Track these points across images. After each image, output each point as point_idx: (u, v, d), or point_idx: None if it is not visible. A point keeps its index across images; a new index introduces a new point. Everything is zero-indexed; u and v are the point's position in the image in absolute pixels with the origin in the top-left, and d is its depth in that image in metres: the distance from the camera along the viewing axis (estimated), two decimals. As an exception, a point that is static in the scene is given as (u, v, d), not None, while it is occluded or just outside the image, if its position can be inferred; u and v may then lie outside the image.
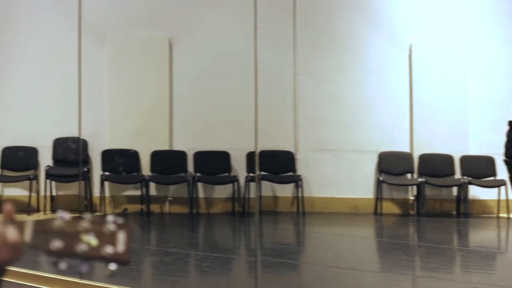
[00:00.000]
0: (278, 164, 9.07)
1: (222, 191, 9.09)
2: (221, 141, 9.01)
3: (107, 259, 1.38)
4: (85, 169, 8.76)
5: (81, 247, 1.39)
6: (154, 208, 8.92)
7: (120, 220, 1.38)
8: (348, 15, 9.28)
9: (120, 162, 8.69)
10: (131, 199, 9.00)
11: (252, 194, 8.85)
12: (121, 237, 1.39)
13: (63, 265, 1.36)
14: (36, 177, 8.84)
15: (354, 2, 9.33)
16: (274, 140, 9.02)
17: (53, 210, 8.72)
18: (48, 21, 8.94)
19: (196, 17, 9.13)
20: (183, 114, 9.10)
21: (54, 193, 8.91)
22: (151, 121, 9.01)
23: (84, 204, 8.60)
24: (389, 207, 9.15)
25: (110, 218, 1.37)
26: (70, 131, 8.62)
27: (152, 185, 8.94)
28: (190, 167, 9.03)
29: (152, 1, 9.14)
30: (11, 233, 1.38)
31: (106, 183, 8.85)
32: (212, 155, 9.02)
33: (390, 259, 6.33)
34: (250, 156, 8.86)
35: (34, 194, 8.79)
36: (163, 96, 9.05)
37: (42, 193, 8.81)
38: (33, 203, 8.74)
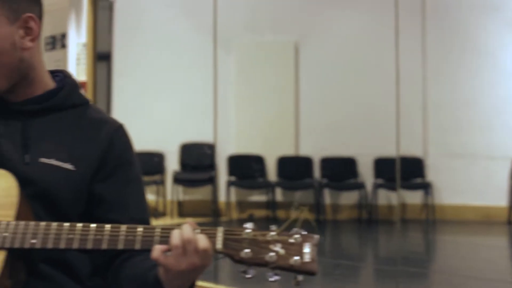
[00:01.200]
0: (406, 170, 8.82)
1: (349, 198, 8.95)
2: (348, 146, 8.87)
3: (295, 269, 1.37)
4: (212, 175, 8.86)
5: (270, 257, 1.37)
6: (280, 214, 8.90)
7: (305, 232, 1.40)
8: (480, 15, 8.92)
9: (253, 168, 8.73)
10: (257, 205, 9.01)
11: (380, 201, 8.68)
12: (307, 248, 1.38)
13: (251, 273, 1.37)
14: (162, 182, 9.01)
15: (487, 1, 8.96)
16: (402, 146, 8.78)
17: (180, 215, 8.86)
18: (176, 27, 9.09)
19: (322, 20, 8.98)
20: (309, 119, 9.01)
21: (180, 198, 9.05)
22: (277, 126, 8.98)
23: (211, 209, 8.70)
24: (525, 216, 8.71)
25: (296, 229, 1.40)
26: (196, 136, 8.75)
27: (278, 191, 8.92)
28: (317, 173, 8.94)
29: (277, 4, 9.11)
30: (202, 240, 1.35)
31: (232, 189, 8.91)
32: (339, 160, 8.89)
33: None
34: (378, 162, 8.68)
35: (161, 199, 8.97)
36: (289, 101, 9.00)
37: (168, 197, 8.97)
38: (160, 207, 8.91)
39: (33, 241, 1.44)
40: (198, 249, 1.36)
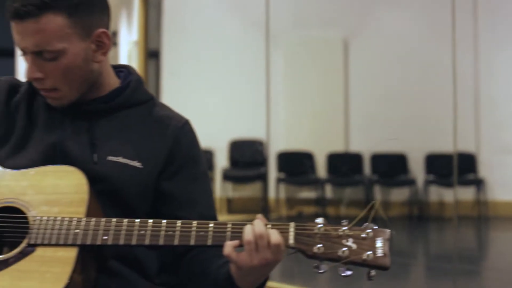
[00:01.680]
0: (458, 166, 8.68)
1: (399, 194, 8.86)
2: (398, 142, 8.77)
3: (367, 264, 1.36)
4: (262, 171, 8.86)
5: (343, 251, 1.36)
6: (330, 210, 8.85)
7: (377, 226, 1.41)
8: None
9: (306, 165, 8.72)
10: (306, 202, 8.99)
11: (431, 197, 8.58)
12: (380, 242, 1.39)
13: (323, 268, 1.36)
14: (211, 179, 9.02)
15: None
16: (452, 141, 8.64)
17: (229, 212, 8.87)
18: (225, 23, 9.09)
19: (373, 16, 8.88)
20: (359, 115, 8.92)
21: (230, 195, 9.07)
22: (327, 122, 8.93)
23: (260, 206, 8.71)
24: None
25: (367, 224, 1.41)
26: (245, 133, 8.75)
27: (327, 187, 8.88)
28: (367, 169, 8.87)
29: (326, 0, 9.06)
30: (274, 235, 1.35)
31: (281, 185, 8.89)
32: (389, 157, 8.79)
33: None
34: (430, 158, 8.58)
35: (210, 196, 8.98)
36: (338, 97, 8.94)
37: (217, 194, 9.00)
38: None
39: (105, 237, 1.45)
40: (270, 244, 1.35)
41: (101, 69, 1.64)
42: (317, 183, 8.84)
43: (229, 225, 1.42)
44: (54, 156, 1.60)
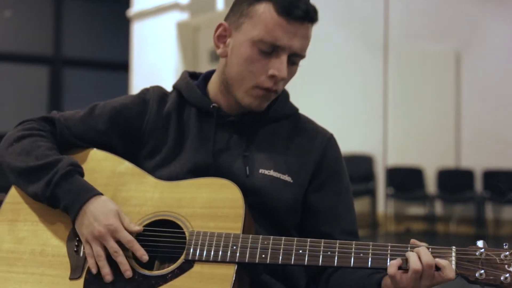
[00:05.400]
0: None
1: (512, 212, 8.56)
2: (512, 158, 8.47)
3: None
4: (370, 186, 8.78)
5: (505, 278, 1.33)
6: (439, 227, 8.66)
7: None
8: None
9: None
10: (415, 218, 8.83)
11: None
12: None
13: None
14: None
15: None
16: None
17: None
18: (337, 37, 9.06)
19: (486, 28, 8.62)
20: (472, 130, 8.68)
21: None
22: (437, 137, 8.74)
23: (369, 221, 8.63)
24: None
25: None
26: (355, 147, 8.68)
27: (437, 204, 8.69)
28: (478, 185, 8.61)
29: (437, 12, 8.87)
30: (448, 270, 1.33)
31: (390, 200, 8.77)
32: (503, 173, 8.50)
33: None
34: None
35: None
36: (449, 111, 8.73)
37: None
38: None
39: (263, 256, 1.45)
40: (442, 276, 1.35)
41: None
42: (427, 199, 8.67)
43: (389, 248, 1.41)
44: (207, 167, 1.63)
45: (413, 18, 8.89)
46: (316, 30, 1.62)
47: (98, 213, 1.53)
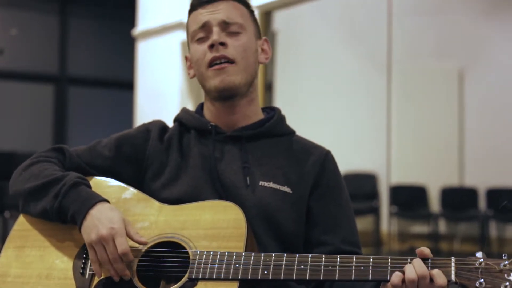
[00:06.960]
0: None
1: (517, 231, 8.53)
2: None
3: None
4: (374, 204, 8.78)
5: (505, 286, 1.35)
6: (443, 246, 8.65)
7: None
8: None
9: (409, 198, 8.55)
10: (418, 236, 8.81)
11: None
12: None
13: None
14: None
15: None
16: None
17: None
18: (337, 54, 9.10)
19: (489, 47, 8.64)
20: (475, 148, 8.67)
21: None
22: (440, 155, 8.74)
23: (373, 239, 8.61)
24: None
25: None
26: (358, 165, 8.69)
27: (441, 222, 8.68)
28: (482, 204, 8.61)
29: (440, 30, 8.91)
30: (440, 278, 1.36)
31: (394, 219, 8.77)
32: (509, 191, 8.47)
33: None
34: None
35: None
36: (453, 129, 8.75)
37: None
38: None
39: (265, 272, 1.48)
40: (434, 284, 1.38)
41: (255, 95, 1.82)
42: (430, 218, 8.66)
43: (389, 260, 1.44)
44: (210, 180, 1.70)
45: (416, 37, 8.92)
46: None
47: (102, 217, 1.58)
